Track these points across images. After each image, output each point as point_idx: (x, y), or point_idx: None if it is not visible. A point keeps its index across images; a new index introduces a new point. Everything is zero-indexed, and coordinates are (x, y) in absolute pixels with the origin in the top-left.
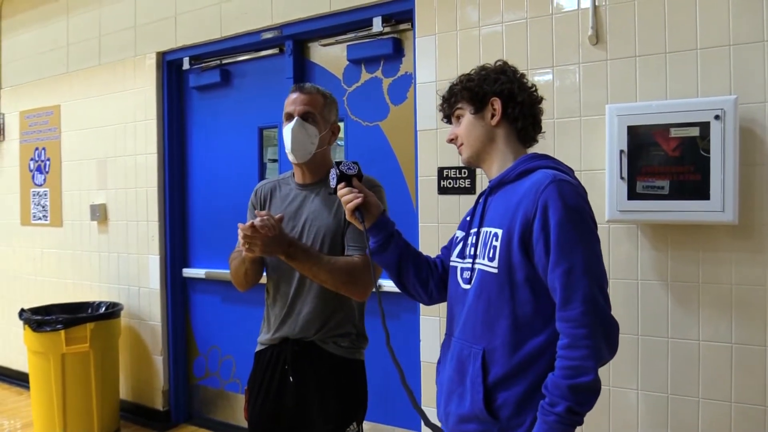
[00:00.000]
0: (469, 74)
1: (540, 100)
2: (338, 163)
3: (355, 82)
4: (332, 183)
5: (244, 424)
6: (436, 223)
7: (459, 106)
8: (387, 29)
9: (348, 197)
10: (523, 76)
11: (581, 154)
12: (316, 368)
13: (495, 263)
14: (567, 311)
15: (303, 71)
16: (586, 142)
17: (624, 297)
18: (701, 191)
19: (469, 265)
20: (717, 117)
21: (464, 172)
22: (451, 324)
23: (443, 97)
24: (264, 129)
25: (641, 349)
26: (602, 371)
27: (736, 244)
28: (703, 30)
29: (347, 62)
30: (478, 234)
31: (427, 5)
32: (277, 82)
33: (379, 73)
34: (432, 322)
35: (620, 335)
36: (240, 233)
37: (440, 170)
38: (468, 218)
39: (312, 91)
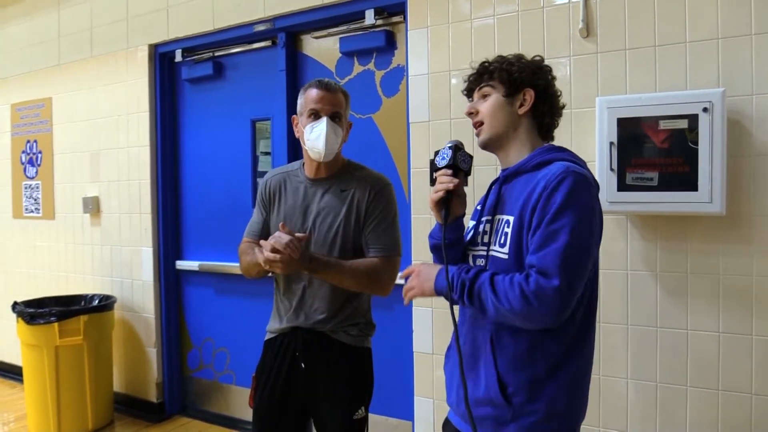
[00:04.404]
0: (507, 58)
1: (564, 105)
2: (458, 148)
3: (347, 75)
4: (438, 162)
5: (238, 415)
6: (428, 215)
7: (490, 83)
8: (379, 22)
9: (442, 187)
10: (554, 78)
11: (571, 146)
12: (326, 356)
13: (506, 249)
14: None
15: (296, 63)
16: (577, 134)
17: (613, 287)
18: (690, 183)
19: (484, 253)
20: (705, 109)
21: None
22: (465, 310)
23: (477, 69)
24: (257, 121)
25: (630, 339)
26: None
27: (723, 235)
28: (692, 23)
29: (340, 54)
30: (492, 221)
31: None
32: (270, 75)
33: (371, 66)
34: (425, 313)
35: (611, 324)
36: (268, 246)
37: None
38: (479, 207)
39: (337, 90)
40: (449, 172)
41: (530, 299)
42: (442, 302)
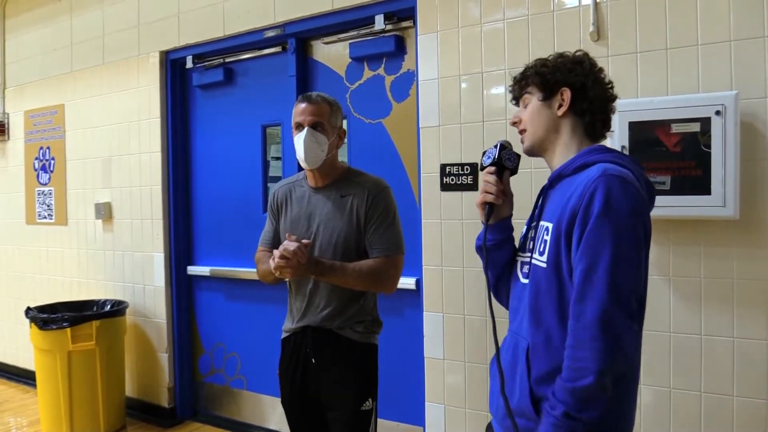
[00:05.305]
0: (545, 59)
1: (614, 98)
2: (504, 146)
3: (357, 80)
4: (484, 161)
5: (249, 420)
6: (438, 220)
7: (528, 90)
8: (389, 27)
9: (490, 188)
10: (601, 70)
11: None
12: (334, 351)
13: (544, 257)
14: (578, 308)
15: (306, 69)
16: None
17: None
18: (702, 186)
19: (528, 260)
20: (718, 112)
21: (466, 169)
22: (512, 321)
23: (515, 78)
24: (267, 127)
25: (644, 344)
26: None
27: (737, 239)
28: (704, 26)
29: (350, 60)
30: (536, 228)
31: (429, 3)
32: (280, 80)
33: (381, 71)
34: (435, 318)
35: None
36: (277, 254)
37: (443, 167)
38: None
39: (319, 101)
40: (493, 170)
41: (577, 416)
42: (452, 308)
